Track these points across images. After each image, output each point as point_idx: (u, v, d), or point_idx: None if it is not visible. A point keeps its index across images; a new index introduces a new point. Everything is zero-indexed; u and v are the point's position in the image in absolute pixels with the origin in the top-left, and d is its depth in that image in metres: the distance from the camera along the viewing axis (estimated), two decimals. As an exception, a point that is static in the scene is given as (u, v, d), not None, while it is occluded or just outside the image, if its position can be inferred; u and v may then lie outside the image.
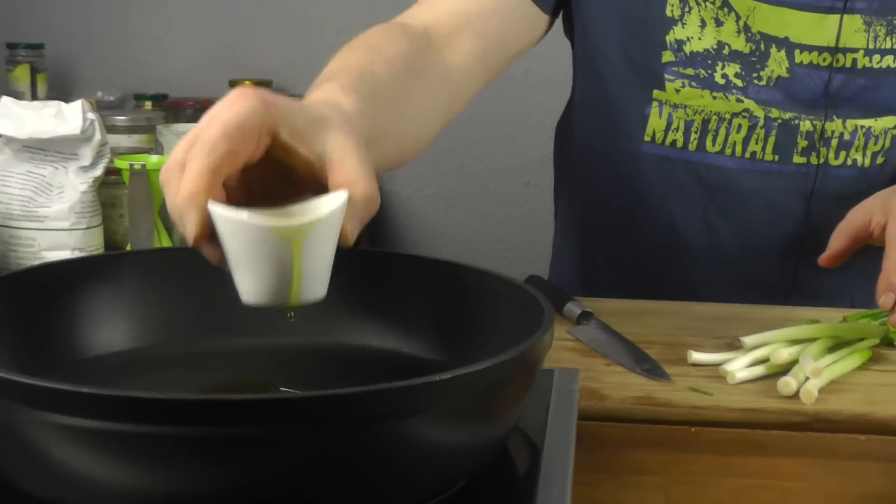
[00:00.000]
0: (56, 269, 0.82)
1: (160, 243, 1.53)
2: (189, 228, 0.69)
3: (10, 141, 1.50)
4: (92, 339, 0.80)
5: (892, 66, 1.27)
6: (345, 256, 0.82)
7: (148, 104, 2.12)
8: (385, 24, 1.13)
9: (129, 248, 1.53)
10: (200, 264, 0.86)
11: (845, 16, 1.24)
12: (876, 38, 1.25)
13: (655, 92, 1.31)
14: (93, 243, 1.52)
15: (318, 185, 0.73)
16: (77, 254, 1.50)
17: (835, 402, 0.97)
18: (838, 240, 1.13)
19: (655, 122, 1.32)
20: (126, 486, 0.55)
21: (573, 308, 1.19)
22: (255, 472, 0.54)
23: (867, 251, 1.13)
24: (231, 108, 0.70)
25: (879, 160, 1.32)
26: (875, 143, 1.31)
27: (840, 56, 1.26)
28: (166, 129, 2.01)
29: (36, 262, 1.44)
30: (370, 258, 0.86)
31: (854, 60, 1.26)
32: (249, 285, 0.71)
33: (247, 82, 2.17)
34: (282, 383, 0.78)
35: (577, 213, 1.51)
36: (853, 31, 1.25)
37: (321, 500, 0.57)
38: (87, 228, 1.51)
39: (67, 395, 0.52)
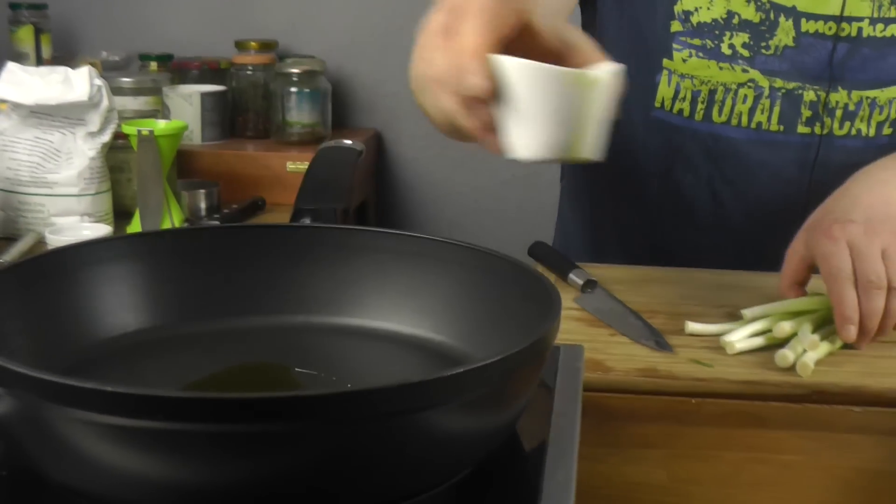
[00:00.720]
0: (67, 254, 0.83)
1: (169, 209, 1.55)
2: (476, 81, 0.74)
3: (16, 107, 1.51)
4: (107, 320, 0.82)
5: None
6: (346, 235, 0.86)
7: (153, 65, 2.12)
8: None
9: (137, 213, 1.55)
10: (214, 244, 0.88)
11: None
12: (881, 6, 1.26)
13: (664, 61, 1.32)
14: (101, 209, 1.55)
15: None
16: (86, 219, 1.51)
17: (832, 374, 0.99)
18: (786, 291, 1.14)
19: (664, 90, 1.33)
20: (154, 477, 0.57)
21: (577, 277, 1.21)
22: (271, 466, 0.56)
23: None
24: None
25: (886, 130, 1.33)
26: (880, 114, 1.32)
27: (845, 25, 1.26)
28: (172, 90, 2.02)
29: (45, 228, 1.46)
30: (372, 238, 0.88)
31: (860, 30, 1.27)
32: (531, 137, 0.76)
33: (252, 43, 2.18)
34: (297, 364, 0.80)
35: (585, 180, 1.53)
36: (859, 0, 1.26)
37: (336, 490, 0.59)
38: (96, 194, 1.53)
39: (93, 393, 0.54)
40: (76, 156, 1.51)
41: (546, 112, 0.75)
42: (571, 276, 1.22)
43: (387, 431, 0.57)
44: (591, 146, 0.77)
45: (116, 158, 1.63)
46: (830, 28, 1.27)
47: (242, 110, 2.15)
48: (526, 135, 0.76)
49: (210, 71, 2.13)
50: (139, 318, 0.83)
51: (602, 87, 0.76)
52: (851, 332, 1.02)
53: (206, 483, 0.56)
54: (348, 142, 1.11)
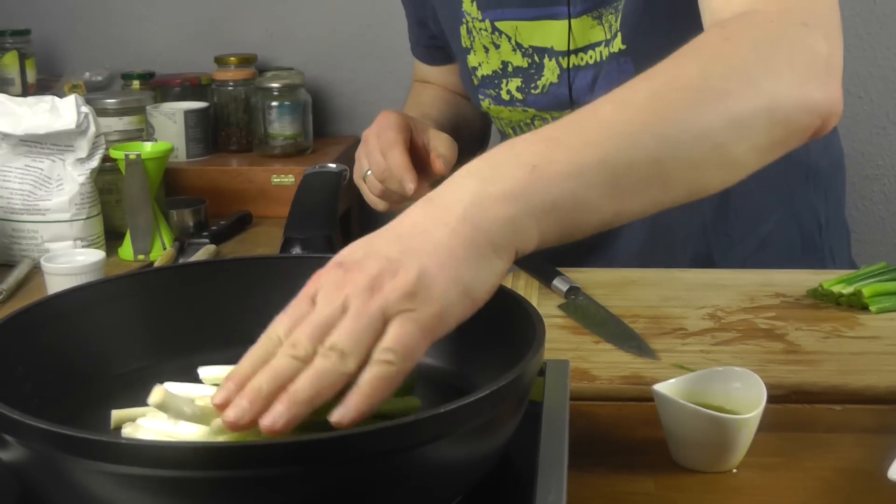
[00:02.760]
0: (63, 298, 0.86)
1: (159, 229, 1.58)
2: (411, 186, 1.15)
3: (6, 137, 1.54)
4: (109, 359, 0.85)
5: (622, 48, 1.30)
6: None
7: (136, 83, 2.15)
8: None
9: (128, 235, 1.58)
10: (207, 277, 0.91)
11: (575, 20, 1.31)
12: (611, 27, 1.31)
13: (482, 107, 1.46)
14: (93, 232, 1.57)
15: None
16: (79, 244, 1.54)
17: (811, 374, 1.03)
18: None
19: (496, 130, 1.58)
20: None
21: (561, 284, 1.24)
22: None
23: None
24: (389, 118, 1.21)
25: None
26: None
27: (591, 52, 1.33)
28: (156, 109, 2.04)
29: (39, 255, 1.48)
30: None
31: (601, 54, 1.33)
32: (683, 453, 0.87)
33: (232, 58, 2.20)
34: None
35: None
36: (588, 28, 1.32)
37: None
38: (88, 219, 1.56)
39: (105, 445, 0.57)
40: (66, 182, 1.54)
41: (697, 443, 0.86)
42: (555, 282, 1.25)
43: (382, 468, 0.61)
44: (736, 462, 0.87)
45: (104, 180, 1.66)
46: (582, 59, 1.34)
47: (224, 125, 2.17)
48: (678, 450, 0.87)
49: (191, 87, 2.15)
50: (139, 354, 0.86)
51: (751, 426, 0.86)
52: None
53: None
54: (332, 165, 1.14)
